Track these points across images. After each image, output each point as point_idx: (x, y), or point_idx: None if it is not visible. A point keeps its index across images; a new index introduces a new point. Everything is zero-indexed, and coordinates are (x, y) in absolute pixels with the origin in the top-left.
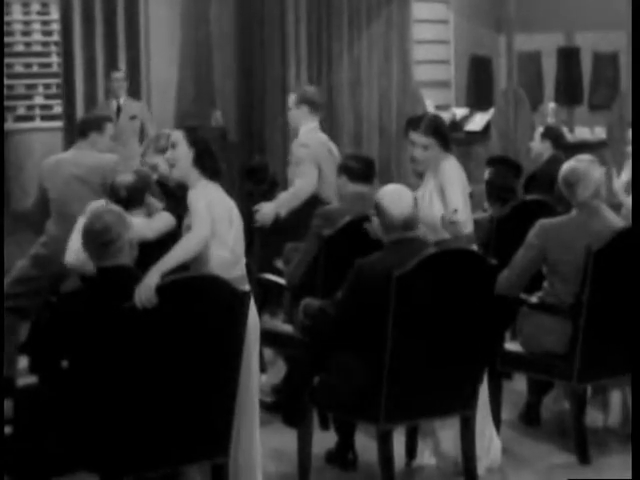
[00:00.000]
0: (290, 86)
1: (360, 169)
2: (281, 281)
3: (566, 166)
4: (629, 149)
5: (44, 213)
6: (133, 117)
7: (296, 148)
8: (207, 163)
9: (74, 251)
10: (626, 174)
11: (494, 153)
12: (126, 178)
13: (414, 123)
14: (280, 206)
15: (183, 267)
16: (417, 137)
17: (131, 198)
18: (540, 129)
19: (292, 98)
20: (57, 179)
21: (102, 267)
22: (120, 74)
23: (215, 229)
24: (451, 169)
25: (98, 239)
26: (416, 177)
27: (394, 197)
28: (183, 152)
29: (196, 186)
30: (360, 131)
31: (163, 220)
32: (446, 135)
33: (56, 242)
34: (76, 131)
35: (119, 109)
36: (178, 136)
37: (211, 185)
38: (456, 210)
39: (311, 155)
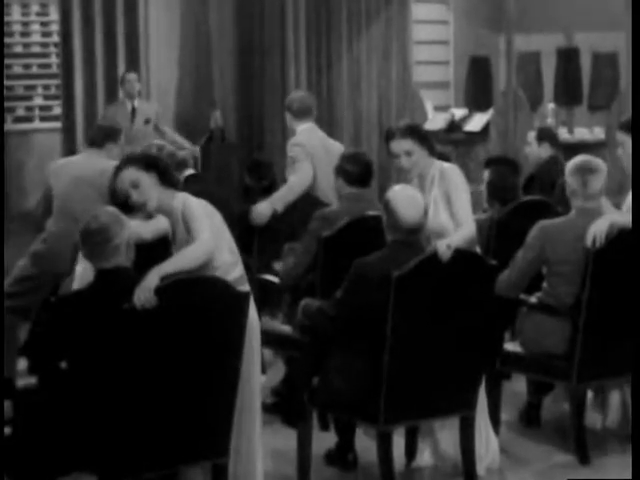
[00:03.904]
0: (289, 87)
1: (357, 173)
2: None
3: (580, 157)
4: (620, 151)
5: (47, 211)
6: (147, 121)
7: (290, 147)
8: (169, 176)
9: (79, 278)
10: (629, 198)
11: (493, 154)
12: None
13: (390, 134)
14: (275, 202)
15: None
16: (396, 145)
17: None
18: (532, 133)
19: None
20: (63, 178)
21: (100, 269)
22: (133, 75)
23: (214, 232)
24: (455, 177)
25: (94, 238)
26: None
27: (407, 201)
28: (147, 182)
29: (173, 202)
30: (360, 132)
31: (161, 222)
32: (424, 135)
33: (55, 239)
34: (90, 140)
35: (134, 111)
36: (133, 173)
37: (184, 194)
38: (449, 246)
39: (304, 153)
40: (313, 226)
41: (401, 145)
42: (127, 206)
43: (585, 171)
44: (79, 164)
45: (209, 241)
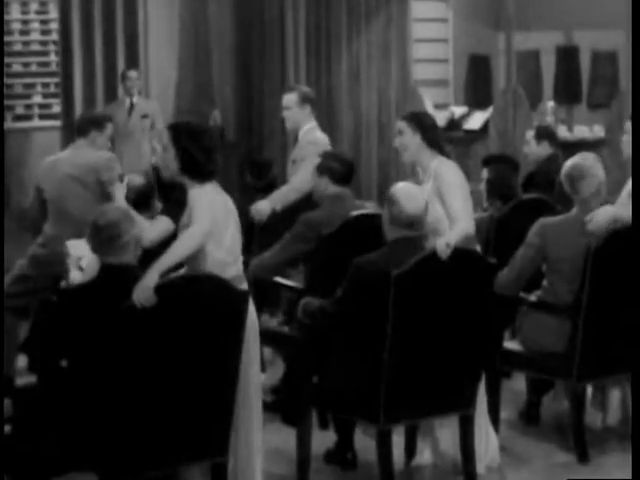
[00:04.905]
0: (289, 85)
1: (343, 171)
2: (282, 281)
3: (571, 162)
4: (625, 138)
5: (41, 213)
6: (144, 116)
7: (304, 145)
8: (192, 169)
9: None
10: (629, 185)
11: (493, 152)
12: (135, 180)
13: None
14: (276, 201)
15: (178, 266)
16: (396, 124)
17: (138, 201)
18: (531, 132)
19: (292, 98)
20: (52, 179)
21: (106, 264)
22: (134, 73)
23: (213, 228)
24: (449, 173)
25: (103, 234)
26: (412, 177)
27: (409, 194)
28: (171, 155)
29: (193, 187)
30: (359, 130)
31: (162, 225)
32: (422, 123)
33: (53, 242)
34: (75, 128)
35: (132, 107)
36: (166, 140)
37: (208, 185)
38: (449, 244)
39: (317, 154)
40: (297, 230)
41: (398, 124)
42: (134, 205)
43: (573, 178)
44: (66, 162)
45: (203, 224)
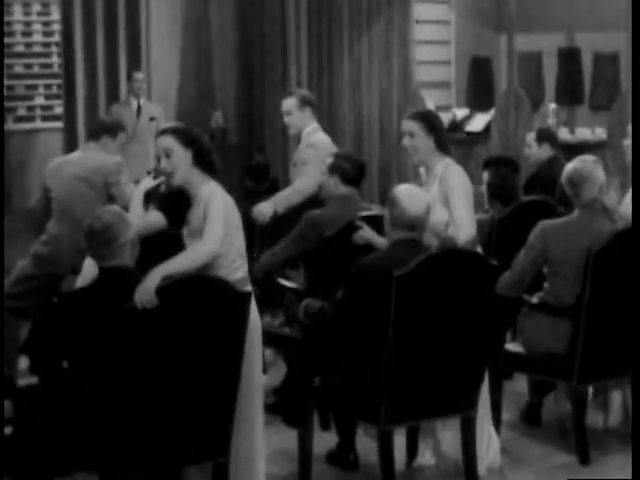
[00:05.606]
0: (290, 87)
1: (354, 172)
2: (283, 282)
3: (570, 166)
4: (628, 142)
5: (46, 212)
6: (152, 119)
7: (303, 149)
8: (207, 160)
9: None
10: (629, 195)
11: (495, 154)
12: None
13: (408, 112)
14: (278, 203)
15: None
16: (405, 123)
17: (165, 199)
18: (532, 135)
19: (291, 102)
20: (59, 178)
21: (104, 267)
22: (140, 75)
23: (226, 234)
24: (455, 177)
25: (99, 238)
26: (415, 179)
27: (411, 195)
28: (180, 156)
29: (203, 187)
30: (360, 132)
31: (152, 217)
32: (435, 125)
33: (56, 241)
34: (88, 132)
35: (139, 109)
36: (170, 142)
37: (217, 184)
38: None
39: (318, 157)
40: (299, 229)
41: (408, 125)
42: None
43: (574, 182)
44: (74, 163)
45: (215, 244)
